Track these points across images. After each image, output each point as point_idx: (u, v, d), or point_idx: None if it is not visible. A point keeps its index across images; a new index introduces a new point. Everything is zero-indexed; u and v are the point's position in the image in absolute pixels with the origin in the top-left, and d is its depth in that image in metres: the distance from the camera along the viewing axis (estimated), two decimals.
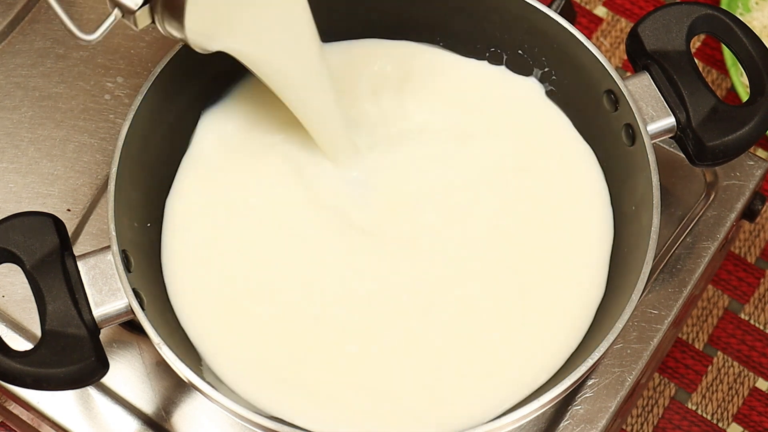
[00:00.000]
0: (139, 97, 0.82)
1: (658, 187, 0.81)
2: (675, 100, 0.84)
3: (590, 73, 0.85)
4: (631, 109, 0.83)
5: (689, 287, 0.90)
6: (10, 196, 0.93)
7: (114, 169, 0.80)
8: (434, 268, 0.85)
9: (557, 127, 0.89)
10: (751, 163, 0.94)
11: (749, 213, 0.95)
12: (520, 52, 0.90)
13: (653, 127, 0.84)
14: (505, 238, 0.86)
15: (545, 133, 0.89)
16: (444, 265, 0.85)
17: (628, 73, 1.05)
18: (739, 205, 0.93)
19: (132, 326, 0.89)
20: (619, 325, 0.77)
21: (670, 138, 0.85)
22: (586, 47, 0.85)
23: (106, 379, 0.88)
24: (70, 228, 0.91)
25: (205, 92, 0.89)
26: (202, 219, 0.86)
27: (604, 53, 0.93)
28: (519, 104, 0.90)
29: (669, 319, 0.89)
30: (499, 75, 0.91)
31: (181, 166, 0.88)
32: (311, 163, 0.88)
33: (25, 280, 0.89)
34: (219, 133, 0.89)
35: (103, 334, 0.82)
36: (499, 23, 0.88)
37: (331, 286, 0.85)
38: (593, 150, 0.88)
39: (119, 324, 0.83)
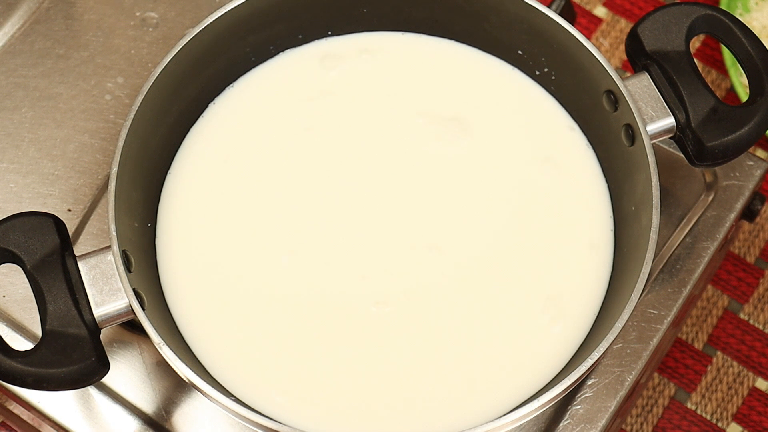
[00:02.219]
0: (140, 98, 0.82)
1: (658, 187, 0.81)
2: (674, 100, 0.84)
3: (590, 74, 0.86)
4: (630, 109, 0.83)
5: (689, 287, 0.90)
6: (11, 196, 0.93)
7: (114, 170, 0.80)
8: (433, 268, 0.85)
9: (558, 125, 0.90)
10: (751, 163, 0.94)
11: (749, 213, 0.95)
12: (519, 52, 0.90)
13: (653, 128, 0.84)
14: (504, 238, 0.86)
15: (546, 131, 0.89)
16: (443, 265, 0.85)
17: (628, 74, 1.05)
18: (739, 205, 0.93)
19: (132, 326, 0.89)
20: (619, 325, 0.77)
21: (669, 138, 0.85)
22: (585, 47, 0.85)
23: (107, 379, 0.88)
24: (71, 228, 0.92)
25: (205, 92, 0.89)
26: (195, 219, 0.86)
27: (603, 53, 0.93)
28: (521, 102, 0.90)
29: (668, 319, 0.89)
30: (503, 71, 0.91)
31: (175, 165, 0.88)
32: (312, 165, 0.88)
33: (26, 280, 0.89)
34: (215, 134, 0.89)
35: (104, 334, 0.82)
36: (498, 23, 0.89)
37: (330, 288, 0.85)
38: (593, 150, 0.88)
39: (120, 324, 0.83)
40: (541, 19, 0.86)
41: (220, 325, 0.84)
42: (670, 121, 0.84)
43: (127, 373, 0.88)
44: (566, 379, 0.77)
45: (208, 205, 0.87)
